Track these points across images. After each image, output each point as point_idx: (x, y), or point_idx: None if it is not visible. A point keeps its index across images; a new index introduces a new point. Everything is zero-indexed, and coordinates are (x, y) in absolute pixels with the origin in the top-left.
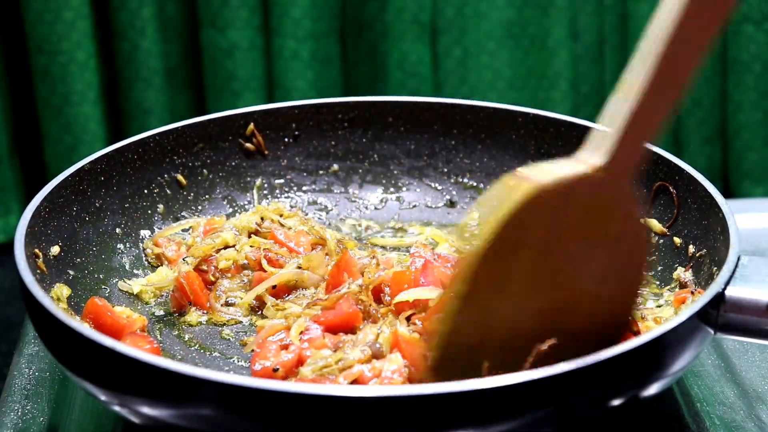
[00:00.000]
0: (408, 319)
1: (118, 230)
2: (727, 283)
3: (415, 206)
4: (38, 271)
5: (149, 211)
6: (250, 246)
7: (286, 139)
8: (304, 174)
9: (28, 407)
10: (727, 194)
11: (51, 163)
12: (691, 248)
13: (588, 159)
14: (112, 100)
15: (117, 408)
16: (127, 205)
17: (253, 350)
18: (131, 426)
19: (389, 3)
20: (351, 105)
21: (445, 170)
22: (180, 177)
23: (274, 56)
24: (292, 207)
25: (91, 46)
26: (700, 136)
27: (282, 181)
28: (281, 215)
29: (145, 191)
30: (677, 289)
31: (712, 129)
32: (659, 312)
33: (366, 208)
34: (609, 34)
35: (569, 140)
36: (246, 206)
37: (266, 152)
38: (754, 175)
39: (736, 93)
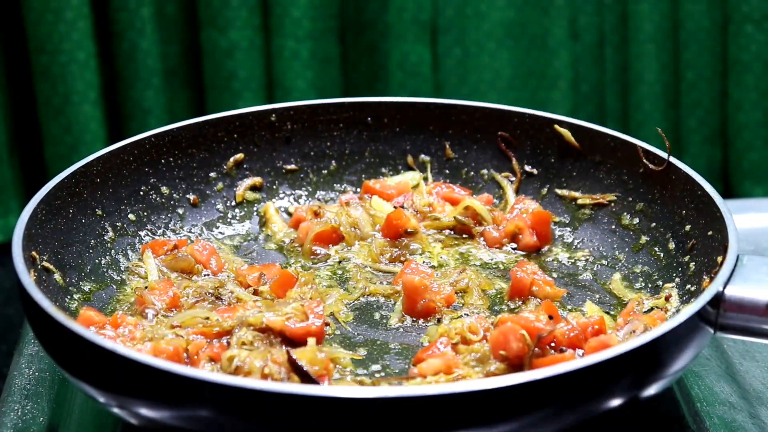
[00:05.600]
0: None
1: (113, 233)
2: (727, 282)
3: None
4: (36, 273)
5: (145, 213)
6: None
7: (281, 141)
8: (300, 175)
9: (28, 407)
10: (728, 194)
11: (51, 163)
12: (688, 259)
13: None
14: (112, 100)
15: (116, 410)
16: (123, 207)
17: None
18: (131, 427)
19: (389, 3)
20: (346, 106)
21: (443, 170)
22: (176, 179)
23: (274, 56)
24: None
25: (92, 46)
26: (700, 136)
27: (277, 182)
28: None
29: (141, 193)
30: (660, 303)
31: (712, 129)
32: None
33: None
34: (609, 34)
35: (565, 140)
36: (238, 209)
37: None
38: (754, 175)
39: (737, 93)
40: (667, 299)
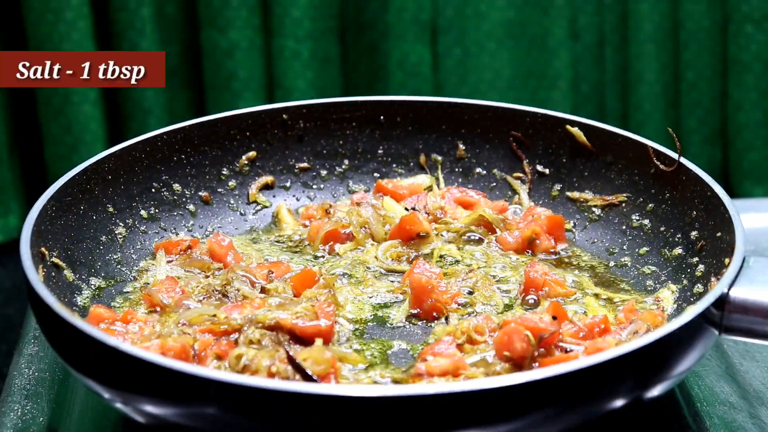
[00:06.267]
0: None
1: (125, 230)
2: (732, 283)
3: None
4: (45, 269)
5: (157, 210)
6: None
7: (294, 139)
8: (312, 173)
9: (28, 407)
10: (727, 194)
11: (51, 163)
12: (695, 260)
13: None
14: (112, 100)
15: (120, 406)
16: (134, 204)
17: None
18: (131, 426)
19: (389, 3)
20: (359, 104)
21: (455, 170)
22: (188, 176)
23: (274, 56)
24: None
25: (92, 46)
26: (700, 136)
27: (289, 180)
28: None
29: (153, 190)
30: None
31: (712, 129)
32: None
33: None
34: (609, 34)
35: (577, 140)
36: (251, 206)
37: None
38: (754, 175)
39: (737, 93)
40: (657, 301)
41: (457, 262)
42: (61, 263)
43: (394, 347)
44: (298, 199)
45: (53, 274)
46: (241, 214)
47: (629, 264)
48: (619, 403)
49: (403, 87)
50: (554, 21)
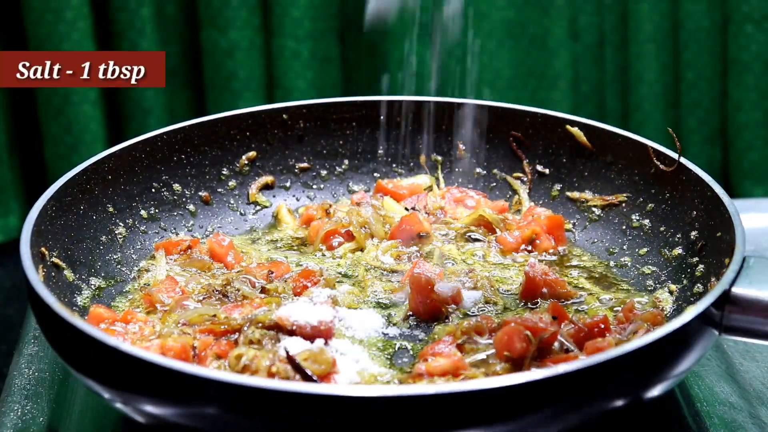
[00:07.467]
0: None
1: (125, 230)
2: (732, 283)
3: None
4: (45, 269)
5: (157, 210)
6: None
7: (294, 139)
8: (312, 173)
9: (28, 407)
10: (727, 194)
11: (51, 163)
12: (695, 260)
13: None
14: (112, 100)
15: (120, 406)
16: (134, 204)
17: None
18: (131, 426)
19: None
20: (359, 104)
21: (455, 170)
22: (188, 176)
23: (274, 56)
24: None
25: (92, 46)
26: (700, 136)
27: (289, 180)
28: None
29: (153, 190)
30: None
31: (712, 129)
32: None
33: None
34: (609, 34)
35: (577, 140)
36: (251, 206)
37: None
38: (754, 175)
39: (737, 93)
40: (656, 303)
41: (457, 262)
42: (61, 263)
43: (395, 346)
44: (298, 199)
45: (53, 274)
46: (241, 214)
47: (629, 264)
48: (619, 403)
49: (403, 87)
50: (554, 21)
